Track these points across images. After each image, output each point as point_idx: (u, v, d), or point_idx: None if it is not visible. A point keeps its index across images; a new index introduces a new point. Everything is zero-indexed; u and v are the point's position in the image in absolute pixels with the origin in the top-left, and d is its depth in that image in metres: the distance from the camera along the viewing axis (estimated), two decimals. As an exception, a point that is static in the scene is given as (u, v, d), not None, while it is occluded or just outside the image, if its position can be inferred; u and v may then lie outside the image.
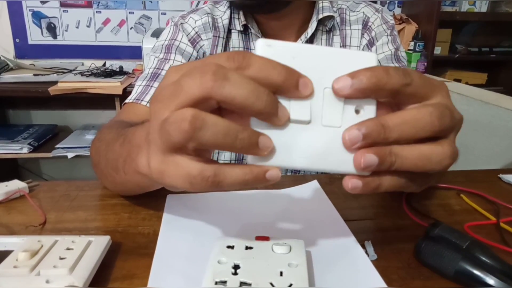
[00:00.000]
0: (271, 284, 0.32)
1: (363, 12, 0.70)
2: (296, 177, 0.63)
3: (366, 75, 0.27)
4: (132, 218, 0.47)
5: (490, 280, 0.36)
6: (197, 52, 0.68)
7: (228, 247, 0.37)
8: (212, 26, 0.69)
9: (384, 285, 0.37)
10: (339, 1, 0.71)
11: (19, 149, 1.60)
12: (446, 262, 0.38)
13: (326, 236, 0.44)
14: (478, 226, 0.48)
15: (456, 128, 0.31)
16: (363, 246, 0.42)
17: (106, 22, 1.90)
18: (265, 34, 0.68)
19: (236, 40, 0.69)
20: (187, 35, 0.68)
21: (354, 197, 0.55)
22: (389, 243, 0.44)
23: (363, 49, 0.70)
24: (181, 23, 0.69)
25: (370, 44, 0.69)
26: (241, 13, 0.67)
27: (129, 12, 1.90)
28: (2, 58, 1.73)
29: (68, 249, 0.37)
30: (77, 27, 1.89)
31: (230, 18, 0.68)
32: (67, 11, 1.86)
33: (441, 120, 0.28)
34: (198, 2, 1.77)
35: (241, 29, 0.67)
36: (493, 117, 1.01)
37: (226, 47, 0.70)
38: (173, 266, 0.39)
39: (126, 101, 0.66)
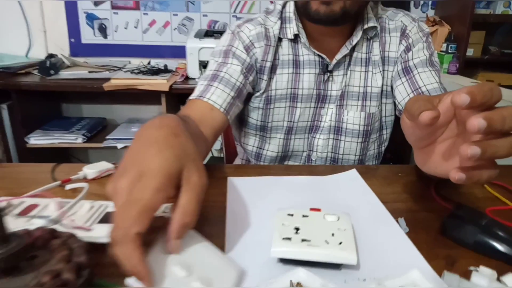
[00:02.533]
0: (326, 241, 0.42)
1: (401, 21, 0.78)
2: (335, 167, 0.72)
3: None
4: (206, 195, 0.58)
5: (503, 249, 0.44)
6: (250, 58, 0.77)
7: (289, 215, 0.47)
8: (264, 35, 0.77)
9: (416, 250, 0.45)
10: (380, 10, 0.79)
11: (74, 139, 1.77)
12: (467, 234, 0.47)
13: (366, 212, 0.53)
14: (498, 211, 0.55)
15: None
16: (397, 222, 0.51)
17: (152, 23, 2.04)
18: (313, 42, 0.77)
19: (286, 48, 0.78)
20: (242, 43, 0.78)
21: (388, 184, 0.64)
22: (419, 221, 0.52)
23: (400, 54, 0.77)
24: (238, 32, 0.78)
25: (407, 50, 0.77)
26: (293, 23, 0.75)
27: (173, 14, 2.03)
28: (59, 56, 1.90)
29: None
30: (125, 28, 2.04)
31: (281, 28, 0.78)
32: (117, 13, 2.02)
33: None
34: (252, 5, 1.86)
35: (292, 37, 0.76)
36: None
37: (275, 53, 0.79)
38: (243, 227, 0.49)
39: (190, 97, 0.76)
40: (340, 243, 0.42)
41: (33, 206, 0.50)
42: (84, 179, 0.63)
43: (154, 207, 0.35)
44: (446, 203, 0.56)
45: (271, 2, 2.02)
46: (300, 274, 0.39)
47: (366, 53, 0.78)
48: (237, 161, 0.94)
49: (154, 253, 0.36)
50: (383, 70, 0.78)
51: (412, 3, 2.01)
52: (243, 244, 0.46)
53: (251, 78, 0.77)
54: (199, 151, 0.44)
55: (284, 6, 0.78)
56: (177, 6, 2.01)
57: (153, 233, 0.38)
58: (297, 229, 0.44)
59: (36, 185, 0.57)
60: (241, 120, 0.84)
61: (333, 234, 0.43)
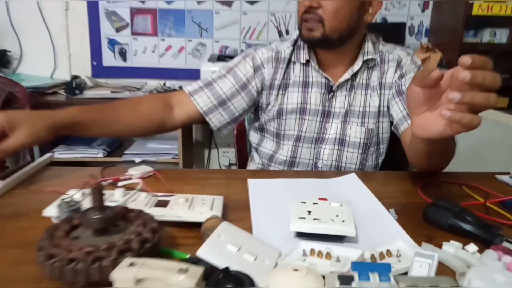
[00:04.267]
0: (332, 220, 0.55)
1: (398, 54, 0.93)
2: (338, 172, 0.85)
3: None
4: (229, 191, 0.71)
5: (470, 229, 0.57)
6: (256, 76, 0.93)
7: (302, 202, 0.60)
8: (274, 59, 0.94)
9: (401, 229, 0.58)
10: (380, 45, 0.94)
11: (96, 154, 1.91)
12: (442, 218, 0.59)
13: (363, 204, 0.66)
14: (471, 205, 0.68)
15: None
16: (388, 212, 0.64)
17: (168, 48, 2.21)
18: (322, 66, 0.92)
19: (298, 70, 0.94)
20: (253, 62, 0.94)
21: (382, 185, 0.77)
22: (406, 211, 0.66)
23: (395, 80, 0.92)
24: (252, 54, 0.95)
25: (401, 77, 0.91)
26: (305, 50, 0.91)
27: (188, 40, 2.21)
28: (82, 77, 2.06)
29: (203, 200, 0.62)
30: (143, 52, 2.21)
31: (293, 53, 0.93)
32: (137, 39, 2.20)
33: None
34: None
35: (304, 62, 0.92)
36: (500, 133, 1.19)
37: (285, 74, 0.94)
38: (265, 214, 0.62)
39: (185, 88, 0.93)
40: (343, 221, 0.55)
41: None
42: (130, 179, 0.76)
43: None
44: (429, 199, 0.69)
45: (278, 31, 2.19)
46: (311, 244, 0.51)
47: (366, 79, 0.93)
48: (251, 166, 1.07)
49: (213, 238, 0.49)
50: (380, 93, 0.92)
51: (407, 31, 2.19)
52: (265, 225, 0.59)
53: (243, 94, 0.93)
54: (38, 120, 0.70)
55: (298, 35, 0.94)
56: (191, 33, 2.19)
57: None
58: (309, 212, 0.57)
59: (84, 183, 0.71)
60: (261, 128, 0.99)
61: (337, 215, 0.56)
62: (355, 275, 0.36)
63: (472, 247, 0.52)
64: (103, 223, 0.47)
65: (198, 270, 0.39)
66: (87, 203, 0.57)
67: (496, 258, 0.49)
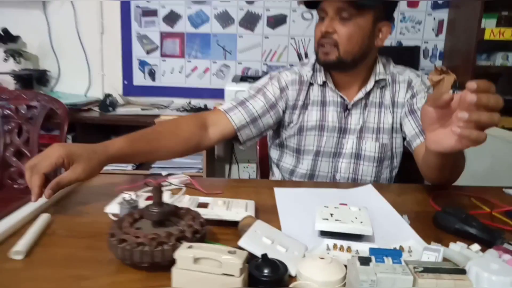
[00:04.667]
0: (351, 221, 0.63)
1: (409, 76, 1.03)
2: (355, 183, 0.94)
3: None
4: (258, 198, 0.80)
5: (475, 232, 0.64)
6: (282, 97, 1.03)
7: (325, 206, 0.69)
8: (298, 81, 1.04)
9: (413, 231, 0.66)
10: (391, 67, 1.04)
11: (125, 167, 2.03)
12: (450, 222, 0.67)
13: (378, 210, 0.74)
14: (478, 214, 0.75)
15: None
16: (402, 217, 0.72)
17: (194, 69, 2.36)
18: (337, 86, 1.02)
19: (316, 91, 1.03)
20: (279, 85, 1.04)
21: (397, 195, 0.85)
22: (418, 217, 0.73)
23: (407, 100, 1.01)
24: (278, 76, 1.05)
25: (412, 97, 1.00)
26: (322, 72, 1.01)
27: (213, 62, 2.35)
28: (115, 95, 2.21)
29: (238, 203, 0.71)
30: (171, 73, 2.36)
31: (312, 75, 1.03)
32: (165, 60, 2.35)
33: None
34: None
35: (321, 83, 1.02)
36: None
37: (307, 95, 1.04)
38: (291, 216, 0.71)
39: (220, 108, 1.03)
40: (361, 222, 0.63)
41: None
42: (170, 184, 0.86)
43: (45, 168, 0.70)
44: (439, 207, 0.77)
45: (298, 53, 2.32)
46: (334, 241, 0.60)
47: (380, 98, 1.02)
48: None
49: (250, 232, 0.58)
50: (393, 111, 1.01)
51: (422, 54, 2.27)
52: (293, 225, 0.68)
53: (272, 113, 1.02)
54: (94, 156, 0.76)
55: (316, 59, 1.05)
56: (216, 55, 2.34)
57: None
58: (331, 214, 0.66)
59: (134, 187, 0.82)
60: (282, 145, 1.08)
61: (356, 218, 0.65)
62: (372, 258, 0.45)
63: (475, 247, 0.59)
64: (162, 216, 0.57)
65: (243, 253, 0.48)
66: (141, 203, 0.68)
67: (497, 256, 0.57)
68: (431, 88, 1.04)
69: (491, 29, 1.93)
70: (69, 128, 1.96)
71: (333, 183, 1.01)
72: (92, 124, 2.00)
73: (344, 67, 0.97)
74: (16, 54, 2.15)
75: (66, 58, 2.34)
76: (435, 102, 0.65)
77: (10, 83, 2.20)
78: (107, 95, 2.14)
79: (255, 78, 2.06)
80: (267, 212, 0.73)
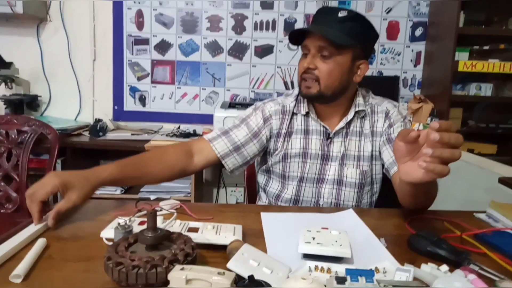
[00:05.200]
0: (332, 244, 0.68)
1: (386, 107, 1.10)
2: (338, 208, 0.99)
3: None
4: (245, 222, 0.85)
5: (443, 253, 0.70)
6: (265, 126, 1.09)
7: (308, 230, 0.73)
8: (281, 111, 1.11)
9: (389, 254, 0.71)
10: (370, 98, 1.12)
11: (114, 191, 2.05)
12: (422, 245, 0.72)
13: (358, 234, 0.80)
14: (449, 237, 0.81)
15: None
16: (379, 240, 0.77)
17: (184, 95, 2.43)
18: (320, 116, 1.09)
19: (299, 120, 1.10)
20: (262, 114, 1.10)
21: (376, 219, 0.90)
22: (395, 240, 0.79)
23: (385, 129, 1.08)
24: (262, 107, 1.12)
25: (390, 126, 1.08)
26: (305, 103, 1.09)
27: (202, 89, 2.43)
28: (105, 120, 2.25)
29: (226, 228, 0.75)
30: (161, 99, 2.42)
31: (296, 106, 1.10)
32: (156, 87, 2.42)
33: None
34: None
35: (304, 113, 1.09)
36: (486, 176, 1.33)
37: (290, 123, 1.10)
38: (277, 240, 0.75)
39: (204, 137, 1.09)
40: (341, 245, 0.68)
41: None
42: (161, 210, 0.90)
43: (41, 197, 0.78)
44: (414, 231, 0.82)
45: (284, 81, 2.41)
46: (315, 263, 0.65)
47: (360, 127, 1.09)
48: (259, 204, 1.21)
49: (238, 255, 0.63)
50: (372, 140, 1.08)
51: (401, 83, 2.40)
52: (278, 248, 0.73)
53: (255, 141, 1.08)
54: (86, 183, 0.84)
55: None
56: (205, 82, 2.42)
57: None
58: (313, 237, 0.71)
59: (127, 213, 0.85)
60: (268, 170, 1.14)
61: (336, 241, 0.70)
62: (348, 277, 0.50)
63: (444, 267, 0.65)
64: (156, 240, 0.61)
65: (231, 274, 0.53)
66: (135, 227, 0.72)
67: (463, 276, 0.62)
68: (407, 118, 1.12)
69: (464, 61, 2.06)
70: (59, 153, 1.99)
71: (317, 208, 1.06)
72: (82, 149, 2.03)
73: (325, 100, 1.05)
74: (8, 80, 2.19)
75: (58, 83, 2.39)
76: (404, 138, 0.72)
77: (0, 108, 2.23)
78: (97, 120, 2.18)
79: (243, 105, 2.14)
80: (254, 236, 0.78)
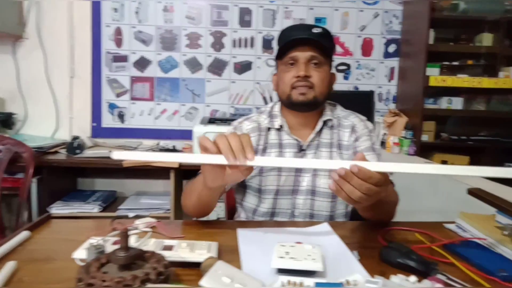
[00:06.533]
0: (305, 258, 0.70)
1: (352, 121, 1.14)
2: (313, 222, 1.01)
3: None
4: (222, 239, 0.85)
5: (414, 265, 0.72)
6: None
7: (282, 245, 0.75)
8: (257, 129, 1.13)
9: (361, 266, 0.73)
10: (338, 111, 1.15)
11: (91, 209, 2.02)
12: (393, 257, 0.75)
13: (332, 247, 0.81)
14: (419, 248, 0.83)
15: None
16: (352, 253, 0.79)
17: (163, 111, 2.43)
18: (292, 130, 1.12)
19: (273, 135, 1.13)
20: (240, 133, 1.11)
21: (351, 232, 0.92)
22: (368, 253, 0.80)
23: (352, 143, 1.11)
24: (239, 127, 1.14)
25: (356, 140, 1.11)
26: (278, 118, 1.12)
27: (182, 105, 2.44)
28: (82, 137, 2.23)
29: (201, 245, 0.76)
30: (140, 115, 2.42)
31: (269, 122, 1.13)
32: (135, 103, 2.41)
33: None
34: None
35: (278, 127, 1.11)
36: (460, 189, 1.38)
37: (266, 139, 1.13)
38: (252, 256, 0.76)
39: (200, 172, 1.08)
40: (314, 259, 0.70)
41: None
42: (136, 228, 0.90)
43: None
44: (386, 243, 0.84)
45: (263, 97, 2.45)
46: (288, 277, 0.66)
47: (330, 139, 1.12)
48: (237, 219, 1.22)
49: (211, 272, 0.63)
50: (341, 153, 1.12)
51: (376, 98, 2.47)
52: (252, 264, 0.73)
53: None
54: None
55: (272, 107, 1.16)
56: (185, 98, 2.43)
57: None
58: (287, 252, 0.72)
59: (101, 232, 0.85)
60: (245, 185, 1.15)
61: (309, 255, 0.71)
62: (317, 291, 0.51)
63: (412, 278, 0.67)
64: (129, 260, 0.61)
65: (203, 292, 0.53)
66: (108, 247, 0.71)
67: (430, 285, 0.64)
68: (372, 131, 1.15)
69: (435, 76, 2.15)
70: (35, 171, 1.95)
71: (293, 222, 1.08)
72: (59, 167, 1.99)
73: (316, 106, 1.09)
74: (-18, 98, 2.15)
75: (34, 101, 2.35)
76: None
77: (-27, 126, 2.18)
78: (75, 137, 2.15)
79: (223, 120, 2.15)
80: (230, 252, 0.78)
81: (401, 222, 1.00)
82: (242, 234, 0.88)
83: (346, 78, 2.48)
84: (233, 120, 1.20)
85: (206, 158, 0.78)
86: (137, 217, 1.23)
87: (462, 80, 2.15)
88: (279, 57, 1.08)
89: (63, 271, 0.69)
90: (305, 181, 1.10)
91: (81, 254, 0.70)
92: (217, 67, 2.42)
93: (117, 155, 0.74)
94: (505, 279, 0.69)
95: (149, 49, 2.38)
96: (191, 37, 2.40)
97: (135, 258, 0.62)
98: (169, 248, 0.75)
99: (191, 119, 2.43)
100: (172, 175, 2.04)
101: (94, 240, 0.70)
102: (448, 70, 2.26)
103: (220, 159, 0.77)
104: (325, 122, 1.12)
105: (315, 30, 1.04)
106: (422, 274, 0.70)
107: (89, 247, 0.68)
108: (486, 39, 2.28)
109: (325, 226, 0.94)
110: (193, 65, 2.41)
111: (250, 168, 0.80)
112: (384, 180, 0.73)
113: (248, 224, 1.06)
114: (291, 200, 1.11)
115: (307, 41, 1.03)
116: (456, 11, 2.25)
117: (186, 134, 2.36)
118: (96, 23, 2.34)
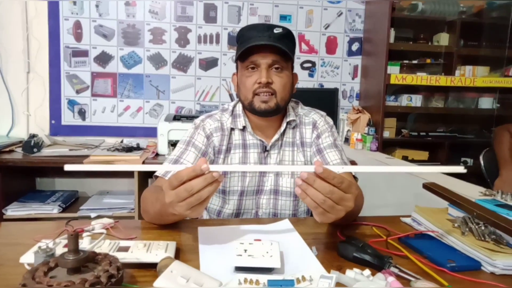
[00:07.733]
0: (262, 255, 0.70)
1: (313, 118, 1.15)
2: (275, 219, 1.01)
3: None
4: (182, 238, 0.84)
5: (369, 259, 0.74)
6: (209, 144, 1.09)
7: (240, 243, 0.74)
8: (220, 128, 1.11)
9: (318, 262, 0.74)
10: (299, 109, 1.16)
11: (51, 210, 1.93)
12: (349, 251, 0.76)
13: (290, 243, 0.82)
14: (376, 242, 0.86)
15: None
16: (311, 249, 0.80)
17: (127, 108, 2.36)
18: (256, 130, 1.11)
19: (237, 135, 1.11)
20: (204, 133, 1.10)
21: (311, 228, 0.93)
22: (326, 248, 0.82)
23: (314, 140, 1.13)
24: (202, 125, 1.11)
25: (318, 137, 1.12)
26: (241, 118, 1.10)
27: (146, 101, 2.38)
28: (40, 136, 2.13)
29: (158, 245, 0.74)
30: (102, 112, 2.34)
31: (232, 121, 1.11)
32: (96, 100, 2.33)
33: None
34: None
35: (241, 128, 1.10)
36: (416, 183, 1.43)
37: (229, 139, 1.11)
38: (211, 254, 0.76)
39: (157, 174, 1.04)
40: (271, 256, 0.70)
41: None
42: (92, 230, 0.87)
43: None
44: (344, 237, 0.86)
45: (229, 94, 2.44)
46: (245, 275, 0.66)
47: (292, 138, 1.13)
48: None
49: (166, 273, 0.62)
50: (303, 150, 1.13)
51: (341, 95, 2.52)
52: (211, 263, 0.73)
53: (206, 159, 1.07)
54: None
55: (234, 106, 1.14)
56: (149, 94, 2.38)
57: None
58: (245, 250, 0.72)
59: (53, 235, 0.81)
60: None
61: (267, 252, 0.71)
62: (270, 288, 0.51)
63: (367, 272, 0.69)
64: (78, 263, 0.58)
65: (155, 294, 0.52)
66: (59, 250, 0.68)
67: (383, 279, 0.66)
68: (334, 127, 1.17)
69: (395, 75, 2.22)
70: (-13, 172, 1.84)
71: (256, 219, 1.08)
72: (15, 167, 1.89)
73: (278, 112, 1.07)
74: None
75: (-14, 97, 2.22)
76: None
77: None
78: (32, 136, 2.05)
79: (188, 117, 2.12)
80: (188, 252, 0.77)
81: (360, 217, 1.03)
82: (203, 233, 0.87)
83: (311, 75, 2.52)
84: (198, 117, 1.17)
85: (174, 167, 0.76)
86: (99, 217, 1.20)
87: (421, 78, 2.24)
88: (240, 58, 1.06)
89: (9, 276, 0.65)
90: (269, 182, 1.11)
91: (29, 258, 0.66)
92: (182, 63, 2.38)
93: (69, 167, 0.71)
94: (453, 269, 0.72)
95: (110, 44, 2.30)
96: (154, 32, 2.34)
97: (85, 261, 0.60)
98: (125, 249, 0.73)
99: (155, 116, 2.38)
100: (136, 173, 1.99)
101: (43, 244, 0.67)
102: (408, 69, 2.34)
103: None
104: (288, 123, 1.12)
105: (276, 30, 1.01)
106: (377, 268, 0.72)
107: (37, 251, 0.65)
108: (443, 39, 2.38)
109: (286, 223, 0.95)
110: (157, 61, 2.36)
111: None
112: (349, 184, 0.71)
113: (210, 222, 1.05)
114: (255, 200, 1.11)
115: (268, 45, 1.00)
116: (415, 11, 2.34)
117: (150, 132, 2.31)
118: (54, 16, 2.24)
